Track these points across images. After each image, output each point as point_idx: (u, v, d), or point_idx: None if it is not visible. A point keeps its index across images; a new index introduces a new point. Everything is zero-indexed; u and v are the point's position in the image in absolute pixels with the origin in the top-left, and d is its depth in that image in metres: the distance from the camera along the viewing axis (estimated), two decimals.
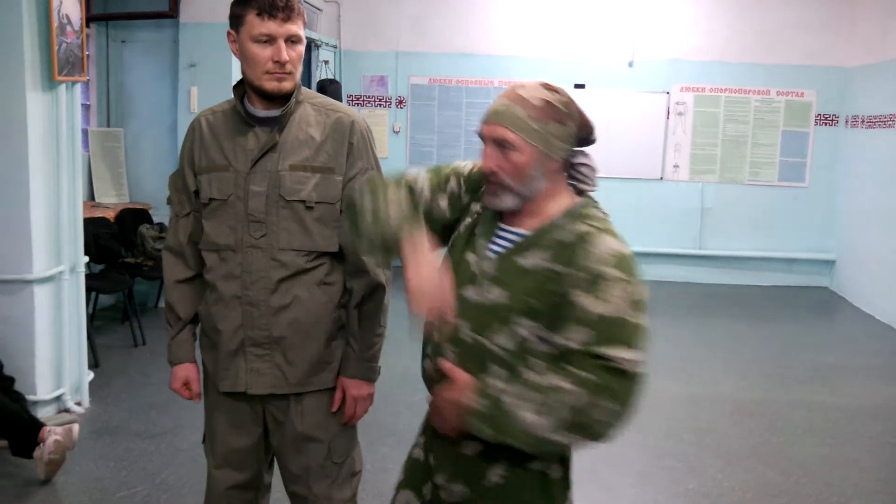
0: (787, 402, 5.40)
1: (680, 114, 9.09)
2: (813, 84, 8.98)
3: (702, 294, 8.78)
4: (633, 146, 9.08)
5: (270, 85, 2.18)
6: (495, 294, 1.79)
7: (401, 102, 9.29)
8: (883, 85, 8.05)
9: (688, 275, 9.27)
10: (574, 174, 1.88)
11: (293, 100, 2.26)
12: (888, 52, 7.98)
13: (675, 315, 7.81)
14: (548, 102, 1.77)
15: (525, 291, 1.75)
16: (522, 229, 1.84)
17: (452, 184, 1.99)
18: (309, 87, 8.20)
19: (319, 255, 2.29)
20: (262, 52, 2.15)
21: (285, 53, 2.15)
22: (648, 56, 8.98)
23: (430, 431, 1.96)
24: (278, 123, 2.25)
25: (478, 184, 1.96)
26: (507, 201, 1.81)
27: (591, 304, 1.68)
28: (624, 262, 1.71)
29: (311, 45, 8.31)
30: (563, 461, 1.87)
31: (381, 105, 9.29)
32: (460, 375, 1.80)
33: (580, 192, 1.88)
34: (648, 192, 9.14)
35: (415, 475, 2.02)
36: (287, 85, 2.21)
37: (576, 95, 1.87)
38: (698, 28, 8.96)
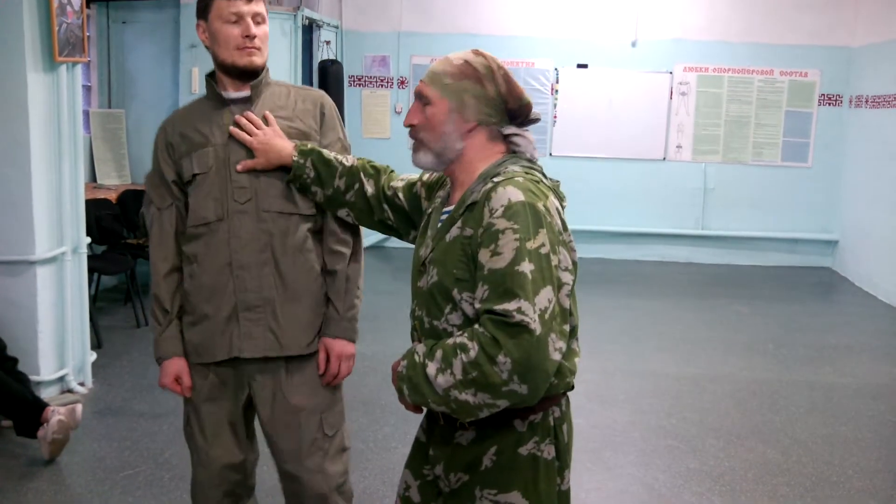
0: (789, 381, 5.41)
1: (683, 94, 9.06)
2: (816, 64, 8.93)
3: (704, 274, 8.77)
4: (635, 126, 9.05)
5: (243, 60, 2.32)
6: (433, 274, 1.84)
7: (403, 83, 9.25)
8: (887, 65, 8.01)
9: (690, 255, 9.27)
10: (510, 146, 1.91)
11: (262, 77, 2.40)
12: (892, 31, 7.93)
13: (678, 295, 7.82)
14: (466, 62, 1.88)
15: (451, 264, 1.79)
16: (452, 206, 1.89)
17: (417, 186, 2.21)
18: (310, 67, 8.20)
19: (300, 218, 2.38)
20: (233, 30, 2.30)
21: (254, 29, 2.31)
22: (651, 36, 8.93)
23: (429, 419, 1.99)
24: (250, 100, 2.39)
25: (434, 187, 2.12)
26: (423, 158, 1.91)
27: (484, 258, 1.70)
28: (511, 210, 1.70)
29: (313, 26, 8.28)
30: (557, 442, 1.87)
31: (382, 85, 9.25)
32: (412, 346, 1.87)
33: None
34: (651, 172, 9.11)
35: (415, 456, 2.06)
36: (257, 60, 2.34)
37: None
38: (701, 8, 8.91)
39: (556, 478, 1.88)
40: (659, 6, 8.89)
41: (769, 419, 4.75)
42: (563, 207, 1.85)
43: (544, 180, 1.85)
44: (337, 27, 8.99)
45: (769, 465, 4.14)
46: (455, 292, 1.78)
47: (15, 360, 4.28)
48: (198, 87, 6.72)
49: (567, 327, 1.72)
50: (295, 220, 2.37)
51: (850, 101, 8.87)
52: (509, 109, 1.87)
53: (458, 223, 1.81)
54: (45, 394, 4.50)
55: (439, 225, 1.90)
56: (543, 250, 1.68)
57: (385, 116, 9.16)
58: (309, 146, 2.33)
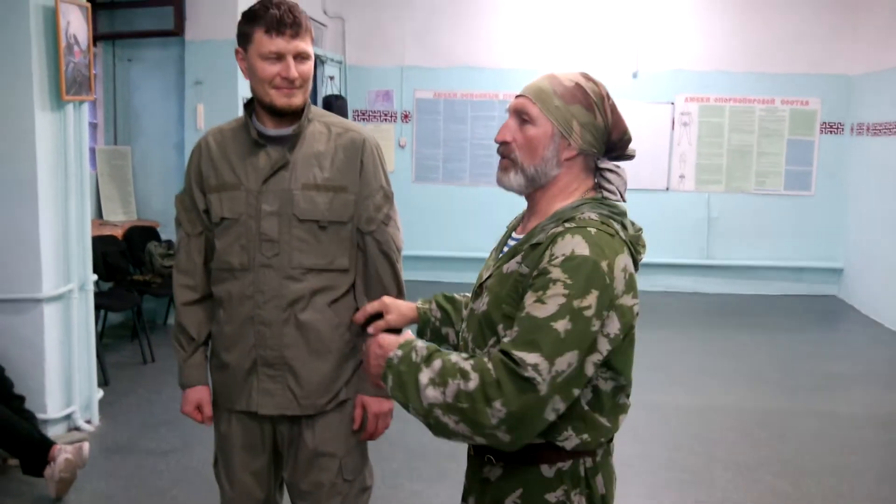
0: (796, 411, 5.38)
1: (685, 124, 9.10)
2: (817, 92, 8.98)
3: (709, 304, 8.76)
4: (638, 157, 8.78)
5: (280, 101, 2.18)
6: (485, 301, 1.76)
7: (406, 117, 9.33)
8: (887, 92, 8.04)
9: (695, 285, 9.26)
10: (601, 181, 1.79)
11: (304, 118, 2.26)
12: (892, 59, 7.97)
13: (683, 326, 7.80)
14: (578, 85, 1.74)
15: (501, 298, 1.70)
16: (523, 234, 1.79)
17: None
18: (315, 103, 8.25)
19: (331, 274, 2.29)
20: (271, 69, 2.15)
21: (294, 70, 2.16)
22: (652, 67, 8.99)
23: (468, 452, 1.89)
24: (289, 142, 2.26)
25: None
26: (513, 180, 1.76)
27: (528, 301, 1.60)
28: (570, 262, 1.59)
29: (317, 61, 8.31)
30: (590, 492, 1.74)
31: (386, 120, 9.32)
32: (409, 334, 1.78)
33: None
34: (654, 202, 9.12)
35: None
36: (296, 101, 2.21)
37: None
38: (702, 38, 8.97)
39: None
40: (659, 37, 8.96)
41: (777, 450, 4.73)
42: (640, 257, 1.75)
43: (620, 232, 1.71)
44: (341, 62, 9.07)
45: (779, 497, 4.11)
46: (500, 328, 1.69)
47: (21, 398, 4.28)
48: (203, 124, 6.77)
49: (577, 391, 1.61)
50: (325, 276, 2.28)
51: (852, 129, 8.90)
52: (610, 141, 1.78)
53: (518, 258, 1.71)
54: (52, 432, 4.49)
55: (505, 248, 1.82)
56: (588, 312, 1.57)
57: (389, 150, 9.21)
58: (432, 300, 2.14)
